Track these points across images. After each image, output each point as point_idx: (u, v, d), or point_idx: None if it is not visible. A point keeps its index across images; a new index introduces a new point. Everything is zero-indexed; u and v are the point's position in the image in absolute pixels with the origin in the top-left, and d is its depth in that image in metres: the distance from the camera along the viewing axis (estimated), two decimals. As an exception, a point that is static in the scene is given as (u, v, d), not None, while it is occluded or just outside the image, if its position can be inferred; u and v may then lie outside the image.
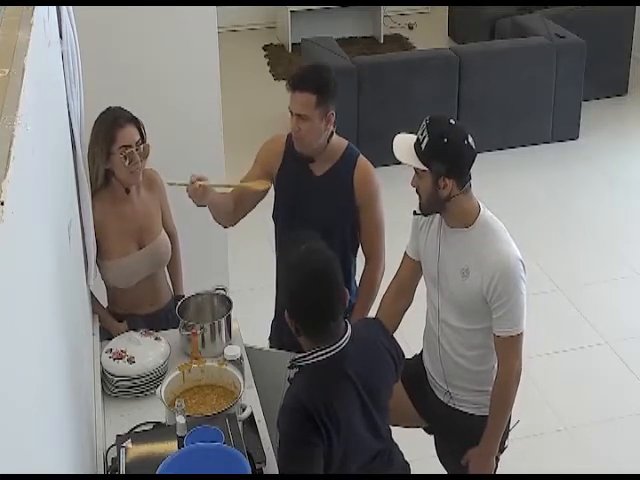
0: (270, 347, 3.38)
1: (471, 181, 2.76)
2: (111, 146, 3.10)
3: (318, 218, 3.14)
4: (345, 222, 3.20)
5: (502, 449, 3.01)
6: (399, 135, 2.80)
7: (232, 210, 3.25)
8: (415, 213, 2.87)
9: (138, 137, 3.14)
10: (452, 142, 2.67)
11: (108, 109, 3.17)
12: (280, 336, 3.28)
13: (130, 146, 3.11)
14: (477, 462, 2.93)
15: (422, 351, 3.13)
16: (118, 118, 3.13)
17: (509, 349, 2.78)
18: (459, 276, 2.79)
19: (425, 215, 2.85)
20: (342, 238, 3.20)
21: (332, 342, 2.39)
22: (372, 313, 3.17)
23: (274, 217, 3.32)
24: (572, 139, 6.92)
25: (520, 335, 2.78)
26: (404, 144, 2.75)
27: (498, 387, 2.83)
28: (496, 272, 2.70)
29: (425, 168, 2.69)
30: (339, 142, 3.20)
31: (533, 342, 4.60)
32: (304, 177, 3.18)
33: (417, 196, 2.80)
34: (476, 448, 2.91)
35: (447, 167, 2.67)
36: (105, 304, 3.40)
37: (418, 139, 2.71)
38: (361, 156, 3.21)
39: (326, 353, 2.39)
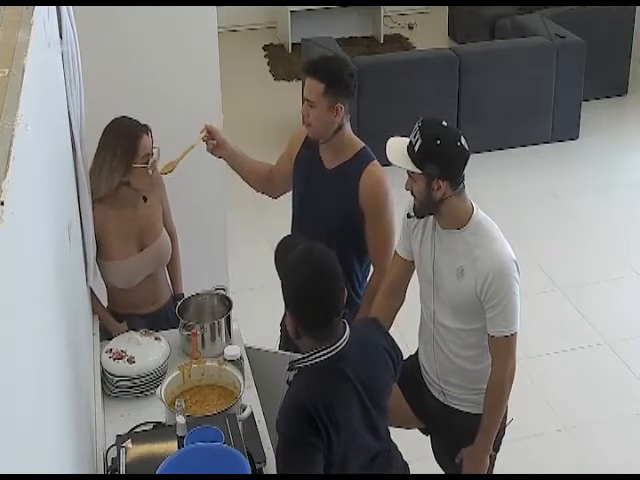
0: (279, 346, 3.39)
1: (464, 182, 2.76)
2: (133, 159, 3.10)
3: (321, 212, 3.16)
4: (345, 223, 3.18)
5: (497, 448, 3.02)
6: (392, 139, 2.80)
7: (266, 176, 3.38)
8: (409, 216, 2.87)
9: (152, 144, 3.17)
10: (445, 144, 2.68)
11: (117, 121, 3.15)
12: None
13: (150, 153, 3.13)
14: (471, 460, 2.93)
15: (417, 351, 3.13)
16: (134, 129, 3.12)
17: (503, 349, 2.78)
18: (454, 277, 2.79)
19: (419, 217, 2.85)
20: (342, 237, 3.19)
21: (332, 342, 2.39)
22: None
23: (292, 206, 3.39)
24: (572, 139, 6.92)
25: (514, 335, 2.78)
26: (397, 147, 2.75)
27: (492, 386, 2.83)
28: (490, 273, 2.71)
29: (418, 171, 2.69)
30: (353, 142, 3.20)
31: (533, 342, 4.63)
32: (314, 167, 3.22)
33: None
34: (470, 447, 2.91)
35: (440, 169, 2.67)
36: (105, 304, 3.40)
37: (411, 142, 2.71)
38: (374, 162, 3.16)
39: (325, 354, 2.39)
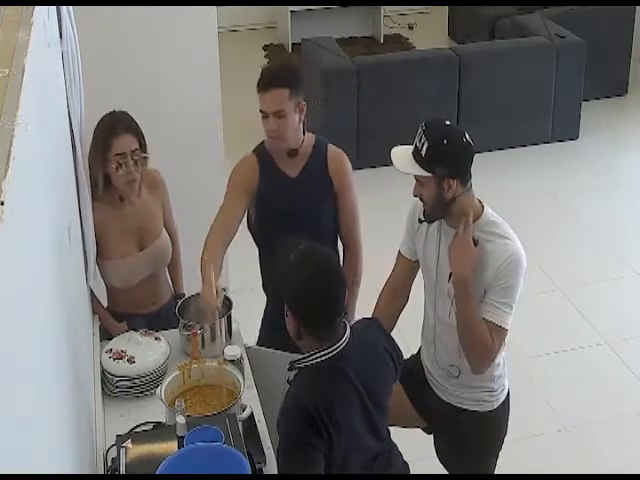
0: (257, 340, 3.40)
1: (471, 180, 2.76)
2: (107, 153, 3.08)
3: (306, 219, 3.14)
4: (330, 215, 3.22)
5: (498, 447, 3.02)
6: (395, 148, 2.79)
7: (224, 247, 3.20)
8: (420, 221, 2.86)
9: (135, 146, 3.10)
10: (452, 142, 2.68)
11: (111, 113, 3.14)
12: (274, 334, 3.31)
13: (124, 154, 3.08)
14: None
15: (419, 350, 3.13)
16: (116, 125, 3.09)
17: (495, 337, 2.75)
18: None
19: (430, 222, 2.83)
20: (330, 231, 3.23)
21: (332, 342, 2.40)
22: (368, 313, 3.15)
23: (256, 233, 3.31)
24: (572, 139, 6.92)
25: (503, 329, 2.74)
26: (402, 155, 2.74)
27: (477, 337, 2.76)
28: (501, 265, 2.69)
29: (428, 174, 2.68)
30: (308, 137, 3.21)
31: (533, 342, 4.63)
32: (282, 185, 3.18)
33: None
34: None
35: (450, 168, 2.67)
36: (105, 304, 3.40)
37: (416, 147, 2.70)
38: (330, 145, 3.24)
39: (326, 354, 2.39)
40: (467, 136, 2.71)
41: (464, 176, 2.72)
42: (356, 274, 3.32)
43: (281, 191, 3.19)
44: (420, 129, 2.70)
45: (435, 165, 2.66)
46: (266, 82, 3.04)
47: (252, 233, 3.40)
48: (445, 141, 2.66)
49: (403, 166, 2.72)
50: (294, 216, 3.17)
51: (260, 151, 3.22)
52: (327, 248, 2.46)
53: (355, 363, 2.43)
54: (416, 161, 2.70)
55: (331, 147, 3.24)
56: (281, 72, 3.09)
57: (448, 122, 2.76)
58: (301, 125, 3.12)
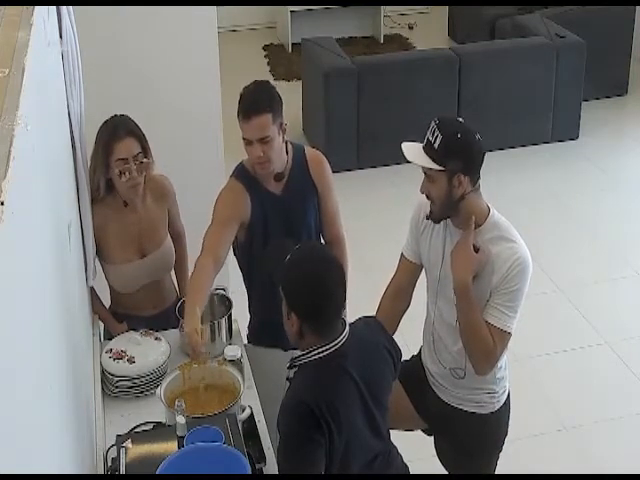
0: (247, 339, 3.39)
1: (480, 181, 2.75)
2: (109, 158, 3.06)
3: (296, 228, 3.13)
4: (314, 216, 3.21)
5: (499, 447, 3.02)
6: (405, 143, 2.76)
7: (214, 276, 3.04)
8: (427, 217, 2.85)
9: (138, 150, 3.08)
10: (465, 138, 2.67)
11: (112, 117, 3.13)
12: (260, 335, 3.33)
13: (127, 159, 3.06)
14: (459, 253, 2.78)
15: (420, 351, 3.13)
16: (118, 129, 3.07)
17: (498, 341, 2.76)
18: None
19: (437, 222, 2.82)
20: (314, 230, 3.22)
21: (332, 339, 2.40)
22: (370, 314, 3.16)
23: (246, 255, 3.22)
24: (572, 139, 6.92)
25: (507, 333, 2.74)
26: (413, 149, 2.73)
27: (477, 341, 2.75)
28: (511, 265, 2.68)
29: (441, 168, 2.67)
30: (286, 148, 3.17)
31: (533, 342, 4.63)
32: (272, 203, 3.13)
33: (418, 195, 2.79)
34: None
35: (463, 163, 2.66)
36: (107, 303, 3.39)
37: (429, 141, 2.68)
38: (307, 148, 3.23)
39: (325, 350, 2.39)
40: (478, 135, 2.71)
41: (475, 174, 2.71)
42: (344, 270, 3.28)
43: (272, 210, 3.13)
44: (433, 123, 2.69)
45: (449, 159, 2.65)
46: (247, 110, 2.96)
47: (238, 256, 3.30)
48: (459, 135, 2.66)
49: (415, 158, 2.70)
50: (285, 228, 3.14)
51: (242, 175, 3.13)
52: (323, 245, 2.47)
53: (355, 360, 2.43)
54: (428, 155, 2.68)
55: (308, 150, 3.22)
56: (260, 97, 3.01)
57: (461, 119, 2.76)
58: (284, 145, 3.08)
